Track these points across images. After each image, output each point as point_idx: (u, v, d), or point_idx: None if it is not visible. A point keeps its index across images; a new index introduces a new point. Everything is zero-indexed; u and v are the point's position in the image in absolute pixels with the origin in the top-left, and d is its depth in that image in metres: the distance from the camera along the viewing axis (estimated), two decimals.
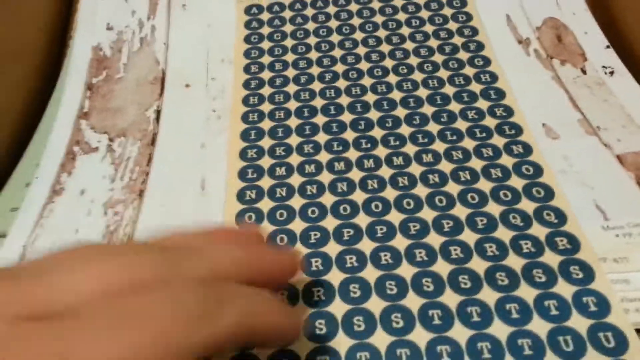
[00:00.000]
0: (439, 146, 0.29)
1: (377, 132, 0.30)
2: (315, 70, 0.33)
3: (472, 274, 0.23)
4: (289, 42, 0.35)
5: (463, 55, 0.34)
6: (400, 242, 0.25)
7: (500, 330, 0.21)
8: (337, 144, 0.29)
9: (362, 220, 0.26)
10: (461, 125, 0.30)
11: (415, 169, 0.28)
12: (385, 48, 0.35)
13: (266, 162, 0.29)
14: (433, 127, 0.30)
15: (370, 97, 0.32)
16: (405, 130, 0.30)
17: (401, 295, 0.23)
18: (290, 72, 0.33)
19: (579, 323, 0.21)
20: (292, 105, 0.32)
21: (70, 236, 0.26)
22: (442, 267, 0.24)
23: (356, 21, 0.36)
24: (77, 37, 0.36)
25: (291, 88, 0.32)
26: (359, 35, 0.36)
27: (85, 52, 0.35)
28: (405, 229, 0.25)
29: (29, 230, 0.26)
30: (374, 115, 0.31)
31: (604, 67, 0.34)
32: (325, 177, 0.28)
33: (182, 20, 0.37)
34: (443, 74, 0.33)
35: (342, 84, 0.33)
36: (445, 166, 0.28)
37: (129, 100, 0.32)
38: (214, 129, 0.31)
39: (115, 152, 0.30)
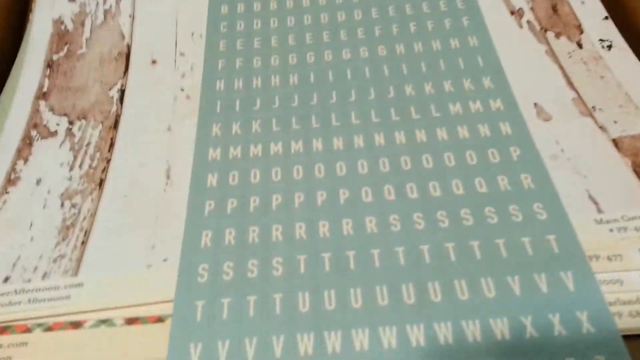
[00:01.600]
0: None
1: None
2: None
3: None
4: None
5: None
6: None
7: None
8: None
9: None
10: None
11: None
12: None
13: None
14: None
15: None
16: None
17: None
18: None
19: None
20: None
21: (23, 231, 0.24)
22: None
23: None
24: (37, 10, 0.33)
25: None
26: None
27: (45, 27, 0.32)
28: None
29: None
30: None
31: (601, 40, 0.31)
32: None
33: None
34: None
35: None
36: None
37: (92, 78, 0.30)
38: (182, 111, 0.29)
39: (75, 136, 0.27)
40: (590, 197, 0.24)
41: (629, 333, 0.19)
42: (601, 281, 0.21)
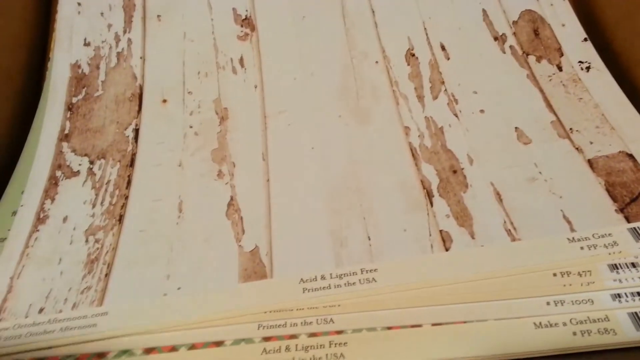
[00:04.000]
0: None
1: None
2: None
3: None
4: None
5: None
6: None
7: None
8: None
9: None
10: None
11: None
12: None
13: None
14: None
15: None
16: None
17: None
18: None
19: None
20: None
21: (54, 266, 0.27)
22: None
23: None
24: (56, 56, 0.36)
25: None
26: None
27: (64, 71, 0.35)
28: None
29: (15, 261, 0.27)
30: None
31: (580, 62, 0.33)
32: None
33: (158, 31, 0.37)
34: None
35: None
36: None
37: (108, 119, 0.33)
38: (191, 147, 0.31)
39: (96, 175, 0.30)
40: (565, 217, 0.26)
41: (597, 349, 0.21)
42: (573, 301, 0.23)
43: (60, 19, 0.37)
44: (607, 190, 0.27)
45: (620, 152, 0.29)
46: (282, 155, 0.31)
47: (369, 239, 0.26)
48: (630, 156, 0.28)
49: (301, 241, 0.27)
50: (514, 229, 0.26)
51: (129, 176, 0.30)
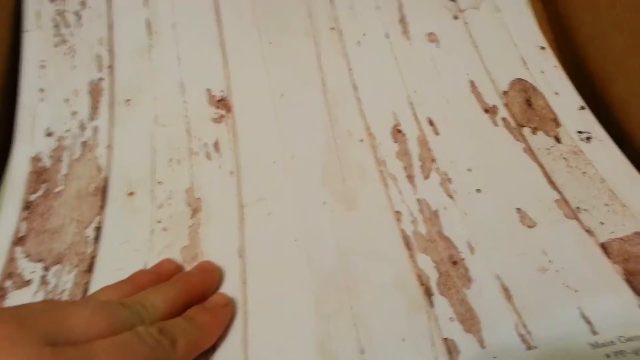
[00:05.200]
0: None
1: None
2: None
3: None
4: None
5: None
6: None
7: None
8: None
9: None
10: None
11: None
12: None
13: None
14: None
15: None
16: None
17: None
18: None
19: None
20: None
21: None
22: None
23: None
24: (16, 148, 0.33)
25: None
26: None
27: (23, 165, 0.33)
28: None
29: None
30: None
31: (579, 132, 0.31)
32: None
33: (127, 117, 0.35)
34: None
35: None
36: None
37: (68, 217, 0.30)
38: (159, 245, 0.28)
39: (49, 284, 0.27)
40: (583, 316, 0.23)
41: None
42: None
43: (21, 107, 0.35)
44: (628, 281, 0.24)
45: (635, 233, 0.26)
46: (261, 251, 0.28)
47: (362, 353, 0.23)
48: None
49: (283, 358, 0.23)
50: (528, 332, 0.22)
51: (86, 284, 0.27)
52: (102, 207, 0.30)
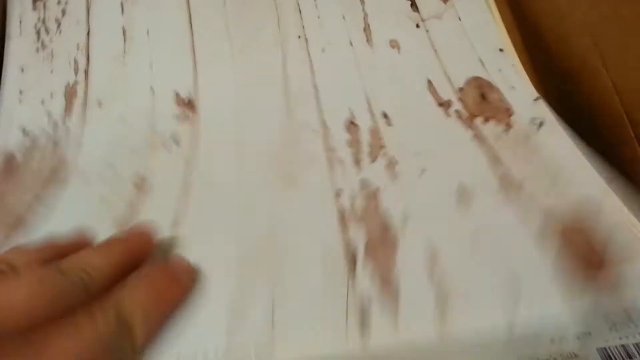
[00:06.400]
0: None
1: None
2: None
3: None
4: None
5: None
6: None
7: None
8: None
9: None
10: None
11: None
12: None
13: None
14: None
15: None
16: None
17: None
18: None
19: None
20: None
21: None
22: None
23: None
24: None
25: None
26: None
27: None
28: None
29: None
30: None
31: (533, 118, 0.30)
32: None
33: (97, 117, 0.36)
34: None
35: None
36: None
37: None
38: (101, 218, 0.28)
39: None
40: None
41: None
42: None
43: (1, 108, 0.37)
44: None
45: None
46: (192, 224, 0.27)
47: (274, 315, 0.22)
48: None
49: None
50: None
51: None
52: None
